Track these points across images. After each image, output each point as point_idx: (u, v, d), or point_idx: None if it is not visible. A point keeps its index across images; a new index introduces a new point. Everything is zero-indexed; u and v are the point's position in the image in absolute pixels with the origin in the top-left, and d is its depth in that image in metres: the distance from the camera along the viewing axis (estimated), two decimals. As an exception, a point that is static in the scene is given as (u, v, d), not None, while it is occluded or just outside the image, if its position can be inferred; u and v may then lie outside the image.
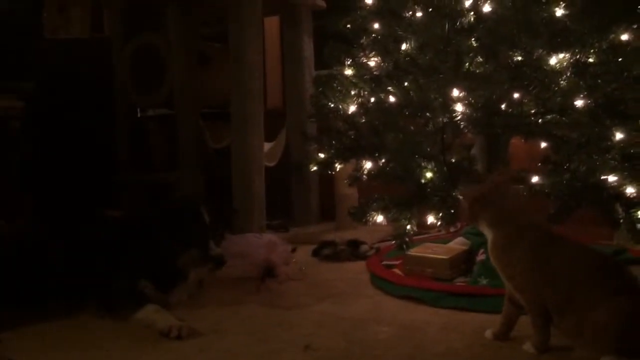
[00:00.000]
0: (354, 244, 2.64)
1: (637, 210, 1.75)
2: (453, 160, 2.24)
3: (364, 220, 2.03)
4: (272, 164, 3.10)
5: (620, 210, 1.80)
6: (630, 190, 1.78)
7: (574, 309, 1.38)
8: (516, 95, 1.87)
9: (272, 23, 3.71)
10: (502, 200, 1.55)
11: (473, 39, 1.92)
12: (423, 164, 2.03)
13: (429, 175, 2.02)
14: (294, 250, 2.55)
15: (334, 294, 2.08)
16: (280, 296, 2.07)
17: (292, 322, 1.81)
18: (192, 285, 1.98)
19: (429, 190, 1.99)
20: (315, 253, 2.64)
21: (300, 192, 3.28)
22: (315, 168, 2.29)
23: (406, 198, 2.00)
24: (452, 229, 2.53)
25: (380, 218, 2.02)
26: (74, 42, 3.39)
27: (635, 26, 1.75)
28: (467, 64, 1.91)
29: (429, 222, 1.95)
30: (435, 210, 1.91)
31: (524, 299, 1.49)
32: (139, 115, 3.65)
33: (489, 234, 1.57)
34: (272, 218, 3.05)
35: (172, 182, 3.20)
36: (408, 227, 1.97)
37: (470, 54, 1.91)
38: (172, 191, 3.16)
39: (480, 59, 1.91)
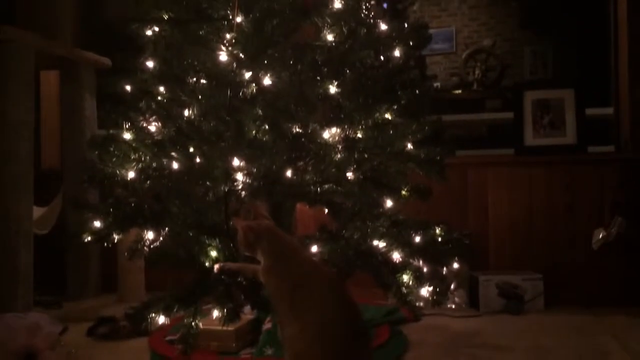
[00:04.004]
0: (137, 319, 2.43)
1: (402, 275, 1.89)
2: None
3: (144, 325, 1.81)
4: (43, 232, 2.77)
5: (388, 274, 1.92)
6: (396, 255, 1.92)
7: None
8: (296, 165, 1.93)
9: (51, 78, 3.42)
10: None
11: (256, 110, 1.95)
12: (207, 242, 1.91)
13: (213, 254, 1.91)
14: (64, 330, 2.25)
15: (106, 380, 1.87)
16: (40, 388, 1.80)
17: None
18: None
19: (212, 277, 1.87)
20: (91, 332, 2.37)
21: (77, 262, 2.96)
22: (89, 239, 2.07)
23: (188, 291, 1.85)
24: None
25: (162, 319, 1.83)
26: None
27: (395, 107, 1.94)
28: (249, 133, 1.93)
29: (214, 317, 1.81)
30: (220, 304, 1.78)
31: None
32: None
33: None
34: (43, 293, 2.71)
35: None
36: (193, 324, 1.80)
37: (253, 123, 1.93)
38: None
39: (262, 129, 1.94)
